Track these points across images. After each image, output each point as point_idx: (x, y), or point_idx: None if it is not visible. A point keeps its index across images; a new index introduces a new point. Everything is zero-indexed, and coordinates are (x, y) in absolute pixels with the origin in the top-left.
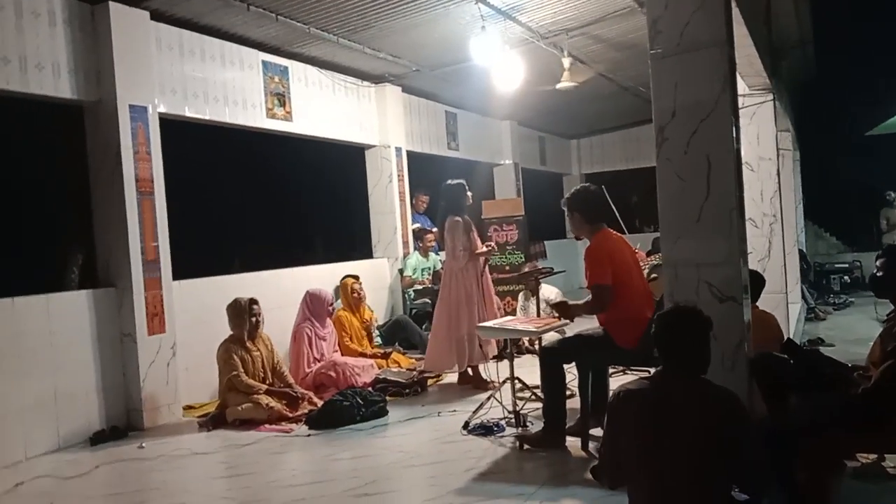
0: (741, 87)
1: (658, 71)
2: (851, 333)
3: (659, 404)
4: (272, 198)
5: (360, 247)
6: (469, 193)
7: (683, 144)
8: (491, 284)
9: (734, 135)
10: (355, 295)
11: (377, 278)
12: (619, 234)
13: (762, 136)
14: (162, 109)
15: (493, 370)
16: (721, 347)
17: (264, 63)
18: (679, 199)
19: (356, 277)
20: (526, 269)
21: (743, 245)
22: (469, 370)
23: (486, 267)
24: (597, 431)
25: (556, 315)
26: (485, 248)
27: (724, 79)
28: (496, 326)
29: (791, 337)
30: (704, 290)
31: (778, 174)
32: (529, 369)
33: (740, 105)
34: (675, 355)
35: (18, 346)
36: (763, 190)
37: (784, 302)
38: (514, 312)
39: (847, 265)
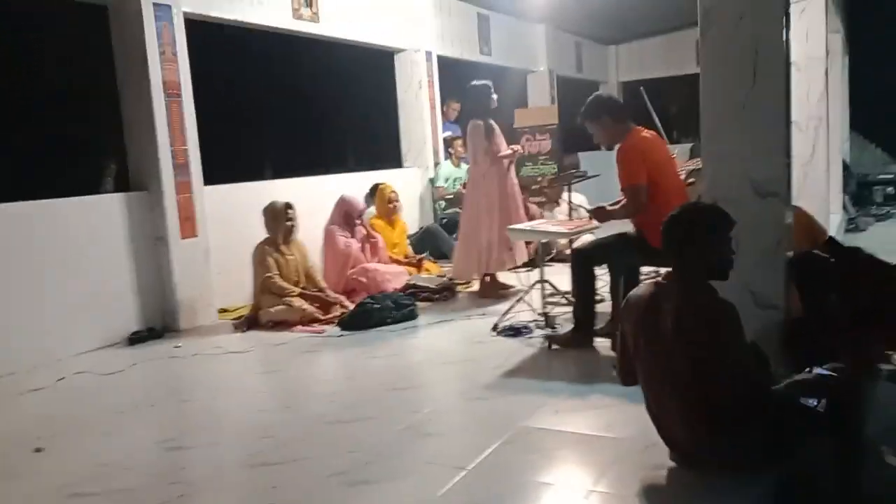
0: None
1: None
2: (892, 244)
3: (648, 309)
4: (301, 104)
5: (389, 156)
6: (494, 96)
7: (731, 28)
8: (518, 191)
9: (784, 20)
10: (391, 205)
11: (407, 188)
12: (651, 131)
13: (812, 34)
14: (187, 9)
15: (522, 276)
16: (760, 245)
17: None
18: (724, 86)
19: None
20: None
21: (788, 139)
22: (487, 278)
23: (512, 172)
24: None
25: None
26: (508, 151)
27: None
28: (527, 229)
29: (832, 236)
30: (745, 186)
31: (826, 76)
32: (560, 277)
33: None
34: (680, 255)
35: (55, 247)
36: (809, 91)
37: (825, 209)
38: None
39: (892, 176)
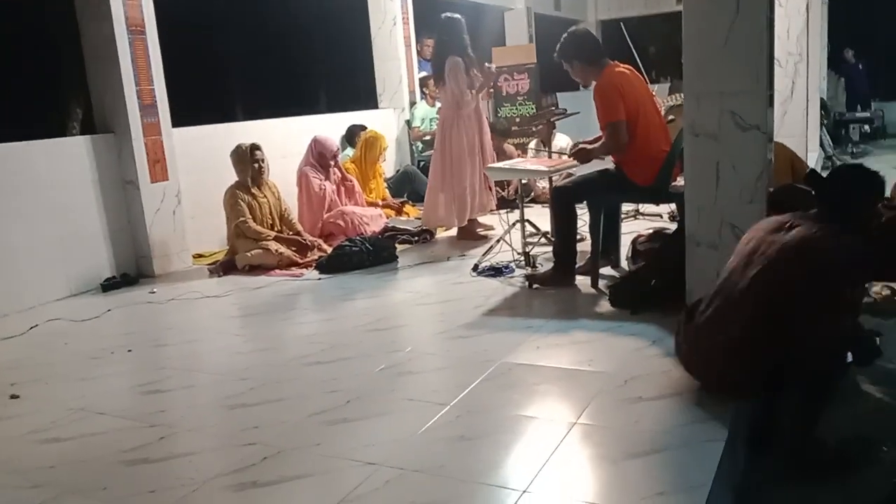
0: None
1: None
2: None
3: (780, 225)
4: (273, 43)
5: (364, 97)
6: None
7: None
8: (489, 135)
9: None
10: (381, 155)
11: (383, 130)
12: (628, 66)
13: None
14: None
15: (503, 217)
16: (741, 179)
17: None
18: (706, 21)
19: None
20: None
21: (771, 73)
22: (471, 222)
23: (485, 114)
24: (607, 271)
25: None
26: (481, 81)
27: None
28: (506, 167)
29: (813, 168)
30: (727, 119)
31: (807, 11)
32: (539, 216)
33: None
34: (845, 208)
35: (22, 192)
36: (790, 27)
37: (804, 146)
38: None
39: (868, 115)
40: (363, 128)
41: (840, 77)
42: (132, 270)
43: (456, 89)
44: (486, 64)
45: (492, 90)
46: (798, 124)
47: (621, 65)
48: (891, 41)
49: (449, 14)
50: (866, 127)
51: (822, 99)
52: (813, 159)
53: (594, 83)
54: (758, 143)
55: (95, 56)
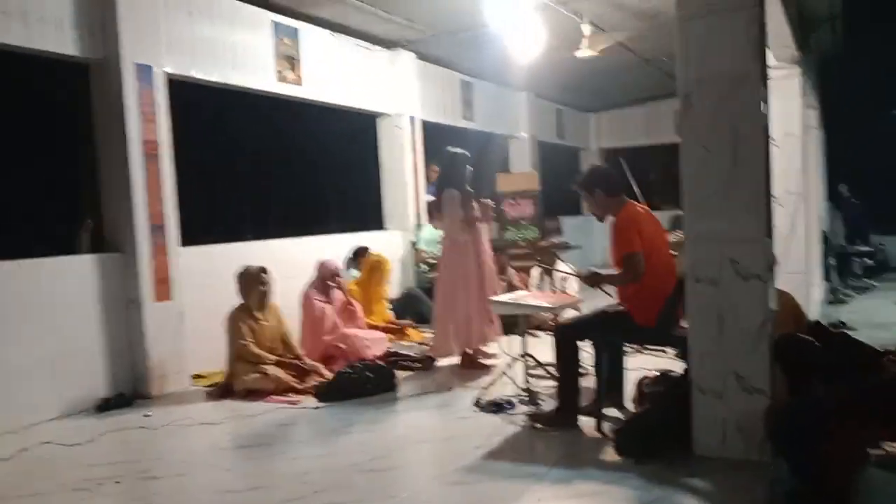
0: (768, 58)
1: (685, 35)
2: (875, 317)
3: None
4: (283, 165)
5: (371, 218)
6: (470, 168)
7: (710, 113)
8: (491, 263)
9: (764, 105)
10: (387, 279)
11: (389, 251)
12: (644, 207)
13: (788, 110)
14: (168, 69)
15: (504, 347)
16: (744, 327)
17: (275, 24)
18: (704, 171)
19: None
20: (542, 244)
21: (770, 221)
22: (469, 350)
23: (484, 239)
24: (611, 412)
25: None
26: (479, 215)
27: (754, 44)
28: (511, 302)
29: (818, 320)
30: (727, 268)
31: (804, 151)
32: (542, 347)
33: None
34: None
35: (25, 309)
36: (788, 167)
37: (806, 283)
38: (527, 288)
39: (870, 248)
40: (367, 250)
41: (838, 209)
42: (129, 390)
43: (448, 222)
44: (483, 199)
45: (495, 214)
46: (800, 261)
47: (640, 205)
48: (887, 176)
49: (452, 148)
50: (869, 260)
51: (823, 232)
52: (817, 294)
53: (611, 217)
54: (759, 291)
55: (111, 178)
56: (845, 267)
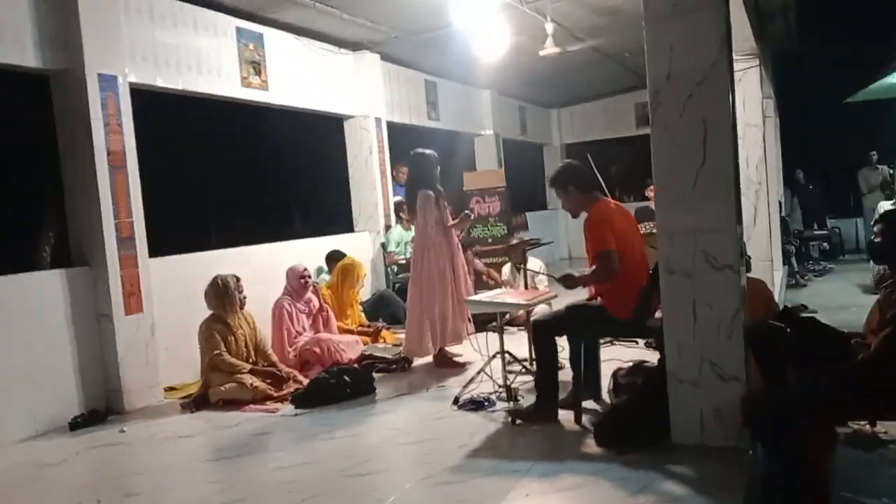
0: None
1: (653, 33)
2: (834, 300)
3: None
4: (250, 170)
5: (340, 221)
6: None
7: (679, 109)
8: (463, 261)
9: (731, 98)
10: (360, 283)
11: (359, 253)
12: (617, 202)
13: (749, 102)
14: (132, 79)
15: (482, 344)
16: (718, 316)
17: (238, 30)
18: (675, 165)
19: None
20: (513, 242)
21: (739, 211)
22: (443, 350)
23: (461, 242)
24: (589, 404)
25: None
26: (457, 221)
27: (721, 40)
28: (486, 300)
29: (787, 305)
30: (700, 259)
31: (763, 141)
32: (518, 343)
33: None
34: None
35: None
36: (749, 157)
37: (771, 270)
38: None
39: (826, 232)
40: (343, 254)
41: (794, 196)
42: (101, 405)
43: (422, 223)
44: (465, 211)
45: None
46: (764, 249)
47: (612, 201)
48: (840, 161)
49: (420, 150)
50: (825, 244)
51: (782, 218)
52: (779, 277)
53: (584, 214)
54: (731, 281)
55: (76, 190)
56: (803, 251)
